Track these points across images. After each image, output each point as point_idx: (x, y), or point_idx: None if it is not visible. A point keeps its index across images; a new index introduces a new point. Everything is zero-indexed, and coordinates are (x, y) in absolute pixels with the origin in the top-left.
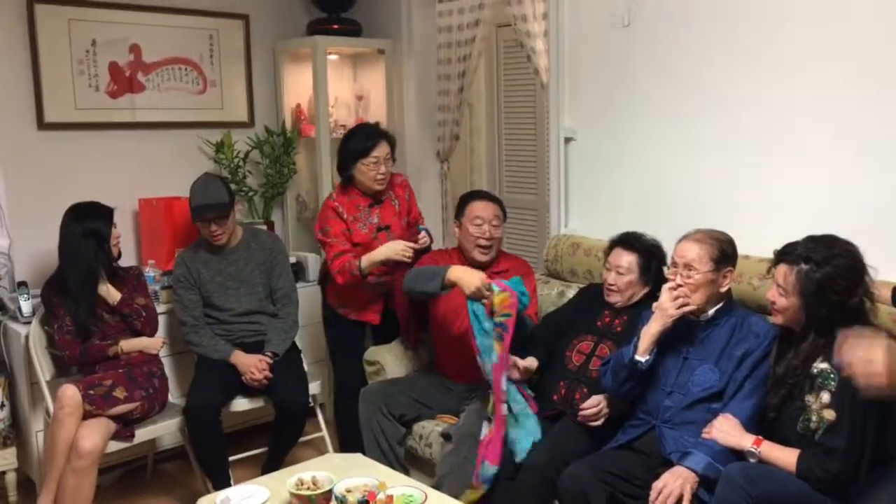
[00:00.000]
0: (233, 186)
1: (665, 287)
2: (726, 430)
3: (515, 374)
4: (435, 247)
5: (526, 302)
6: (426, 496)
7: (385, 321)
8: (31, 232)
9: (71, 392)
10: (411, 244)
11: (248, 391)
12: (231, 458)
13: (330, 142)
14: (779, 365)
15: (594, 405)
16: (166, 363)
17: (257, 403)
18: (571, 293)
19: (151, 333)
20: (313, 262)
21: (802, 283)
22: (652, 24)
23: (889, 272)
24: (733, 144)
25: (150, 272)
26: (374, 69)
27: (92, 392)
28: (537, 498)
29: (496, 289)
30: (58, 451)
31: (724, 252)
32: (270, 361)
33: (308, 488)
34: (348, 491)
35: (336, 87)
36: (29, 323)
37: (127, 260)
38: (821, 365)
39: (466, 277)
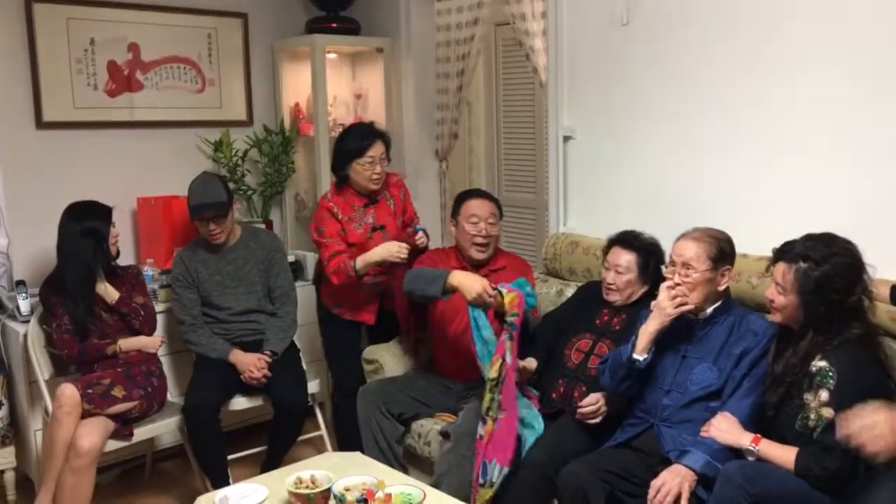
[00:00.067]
0: (231, 185)
1: (663, 286)
2: (725, 428)
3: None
4: (434, 245)
5: (533, 303)
6: (425, 495)
7: (380, 321)
8: (29, 231)
9: (69, 391)
10: (406, 245)
11: (247, 390)
12: (230, 457)
13: (328, 141)
14: (777, 363)
15: (592, 403)
16: (165, 362)
17: (256, 402)
18: (570, 292)
19: (150, 332)
20: (312, 261)
21: (801, 281)
22: (651, 22)
23: (888, 270)
24: (732, 143)
25: (148, 271)
26: (372, 68)
27: (90, 391)
28: (537, 496)
29: (504, 290)
30: (56, 449)
31: (722, 251)
32: (269, 360)
33: (307, 487)
34: (347, 489)
35: (335, 85)
36: (27, 322)
37: (125, 259)
38: (819, 363)
39: (468, 283)
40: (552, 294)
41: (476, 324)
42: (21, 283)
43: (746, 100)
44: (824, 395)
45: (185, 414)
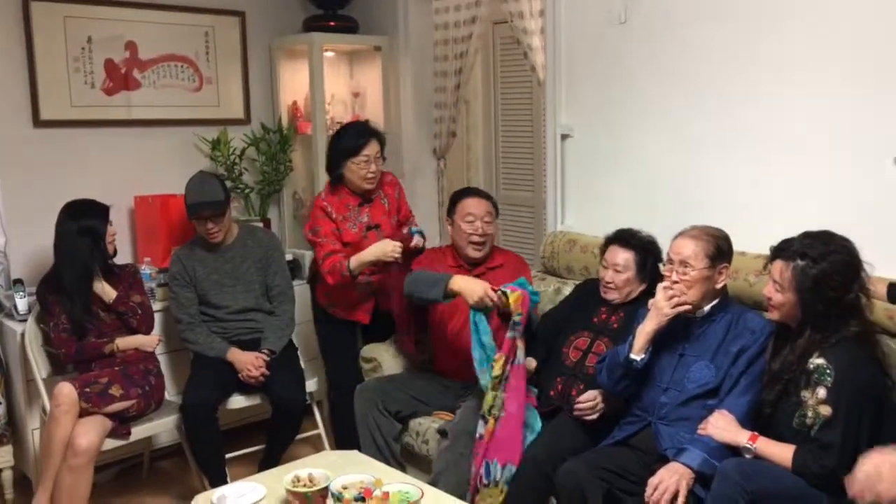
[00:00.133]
0: (229, 184)
1: (660, 286)
2: (722, 426)
3: None
4: (433, 244)
5: (536, 300)
6: (422, 493)
7: (375, 320)
8: (26, 229)
9: (67, 390)
10: (401, 244)
11: (245, 388)
12: (228, 456)
13: (326, 139)
14: (774, 361)
15: (590, 399)
16: (162, 361)
17: (254, 401)
18: (568, 290)
19: (147, 331)
20: (309, 260)
21: (799, 279)
22: (649, 21)
23: (885, 268)
24: (730, 141)
25: (145, 270)
26: (370, 66)
27: (88, 390)
28: (534, 494)
29: (508, 291)
30: (54, 448)
31: (719, 248)
32: (267, 359)
33: (304, 485)
34: (344, 488)
35: (332, 84)
36: (25, 321)
37: (123, 257)
38: (816, 360)
39: (469, 287)
40: (550, 292)
41: (476, 328)
42: (18, 281)
43: (744, 98)
44: (822, 392)
45: (183, 412)
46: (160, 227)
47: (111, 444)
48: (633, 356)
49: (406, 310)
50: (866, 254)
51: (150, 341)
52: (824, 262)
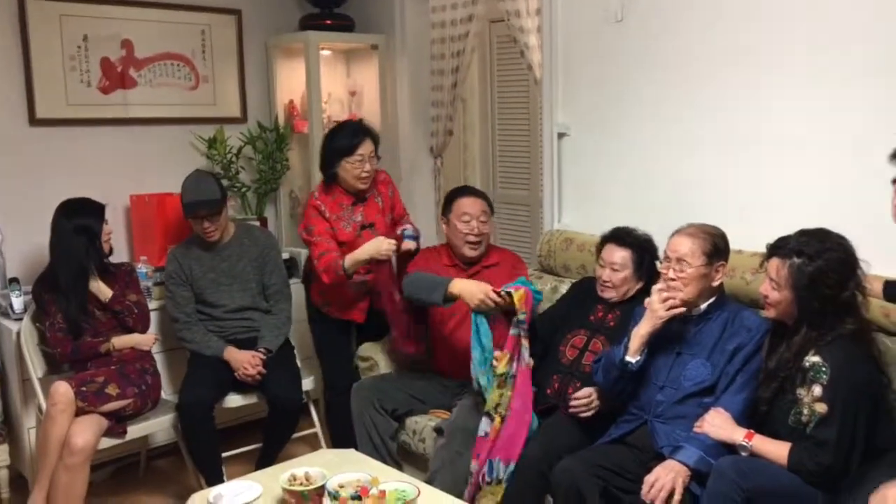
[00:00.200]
0: (225, 182)
1: (654, 288)
2: (718, 423)
3: None
4: (429, 243)
5: (540, 297)
6: (419, 491)
7: (370, 319)
8: (22, 228)
9: (63, 389)
10: (395, 241)
11: (241, 387)
12: (224, 455)
13: (323, 138)
14: (771, 358)
15: (585, 396)
16: (159, 360)
17: (250, 400)
18: (565, 288)
19: (143, 330)
20: (306, 259)
21: (795, 276)
22: (645, 19)
23: (881, 266)
24: (726, 140)
25: (142, 268)
26: (367, 65)
27: (84, 389)
28: (530, 492)
29: (512, 290)
30: (50, 447)
31: (716, 246)
32: (264, 357)
33: (301, 484)
34: (341, 486)
35: (329, 82)
36: (20, 319)
37: (119, 256)
38: (812, 358)
39: (470, 290)
40: (547, 291)
41: (477, 329)
42: (14, 280)
43: (741, 96)
44: (817, 390)
45: (180, 411)
46: (156, 226)
47: (107, 442)
48: (628, 358)
49: (404, 310)
50: (862, 251)
51: (147, 340)
52: (820, 259)
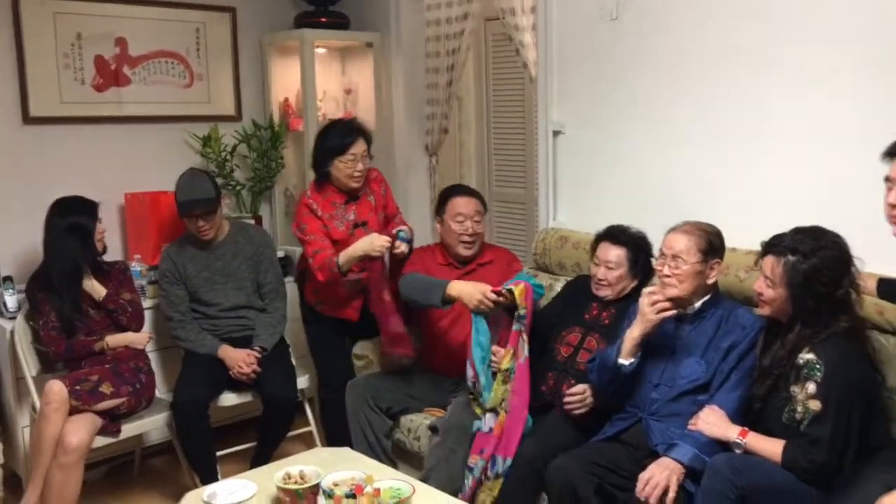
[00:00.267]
0: (220, 180)
1: (644, 291)
2: (712, 421)
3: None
4: (425, 241)
5: (542, 291)
6: (414, 489)
7: (364, 317)
8: (16, 226)
9: (57, 387)
10: (389, 238)
11: (236, 386)
12: (220, 453)
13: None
14: (765, 356)
15: (578, 392)
16: (153, 358)
17: (245, 398)
18: (560, 286)
19: (138, 328)
20: (299, 258)
21: (789, 274)
22: (640, 17)
23: (875, 264)
24: (721, 138)
25: (136, 267)
26: (362, 62)
27: (78, 387)
28: (525, 490)
29: (513, 287)
30: (44, 446)
31: (711, 244)
32: (258, 356)
33: (295, 482)
34: (336, 485)
35: (324, 80)
36: (14, 318)
37: (113, 254)
38: (806, 356)
39: (468, 291)
40: None
41: (476, 329)
42: (8, 278)
43: (735, 94)
44: (811, 387)
45: (174, 410)
46: (150, 225)
47: (102, 441)
48: (621, 361)
49: (394, 311)
50: (856, 249)
51: (141, 339)
52: (815, 257)
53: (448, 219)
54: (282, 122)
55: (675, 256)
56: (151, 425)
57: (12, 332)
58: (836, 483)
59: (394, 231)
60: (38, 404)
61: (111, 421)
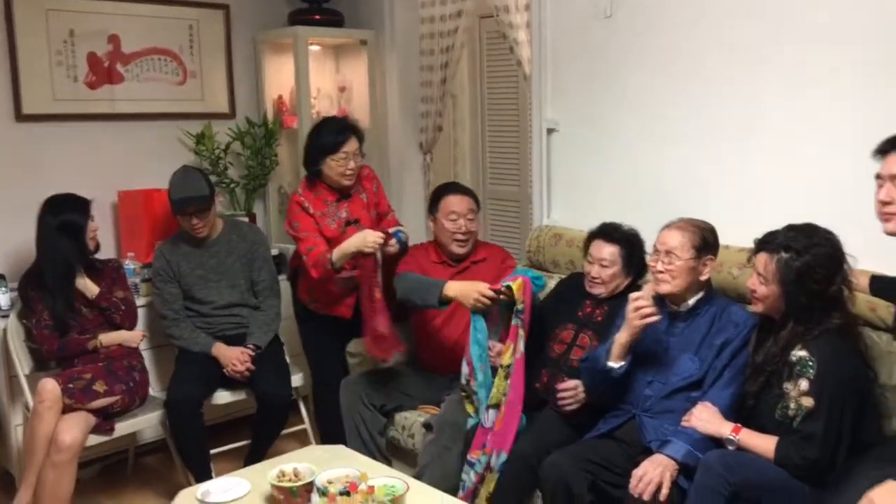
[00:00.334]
0: (213, 178)
1: (630, 296)
2: (705, 418)
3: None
4: (420, 239)
5: (541, 284)
6: (408, 486)
7: (357, 315)
8: (8, 224)
9: (50, 386)
10: (382, 234)
11: (230, 384)
12: (213, 451)
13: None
14: (758, 353)
15: (570, 388)
16: (146, 356)
17: (239, 396)
18: (553, 284)
19: (131, 327)
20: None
21: (782, 271)
22: (634, 14)
23: (867, 261)
24: (715, 135)
25: (129, 265)
26: (356, 60)
27: (71, 386)
28: (519, 486)
29: (509, 282)
30: (37, 444)
31: (705, 240)
32: (252, 354)
33: (289, 480)
34: (330, 482)
35: (318, 78)
36: (7, 316)
37: (106, 252)
38: (799, 353)
39: (465, 291)
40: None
41: (474, 328)
42: (0, 276)
43: (729, 92)
44: (804, 384)
45: (168, 408)
46: (144, 222)
47: (95, 440)
48: (611, 364)
49: (382, 310)
50: (849, 246)
51: (134, 337)
52: (808, 254)
53: (441, 217)
54: (276, 120)
55: (668, 252)
56: (145, 423)
57: (5, 331)
58: (828, 479)
59: (391, 230)
60: (31, 403)
61: (104, 419)
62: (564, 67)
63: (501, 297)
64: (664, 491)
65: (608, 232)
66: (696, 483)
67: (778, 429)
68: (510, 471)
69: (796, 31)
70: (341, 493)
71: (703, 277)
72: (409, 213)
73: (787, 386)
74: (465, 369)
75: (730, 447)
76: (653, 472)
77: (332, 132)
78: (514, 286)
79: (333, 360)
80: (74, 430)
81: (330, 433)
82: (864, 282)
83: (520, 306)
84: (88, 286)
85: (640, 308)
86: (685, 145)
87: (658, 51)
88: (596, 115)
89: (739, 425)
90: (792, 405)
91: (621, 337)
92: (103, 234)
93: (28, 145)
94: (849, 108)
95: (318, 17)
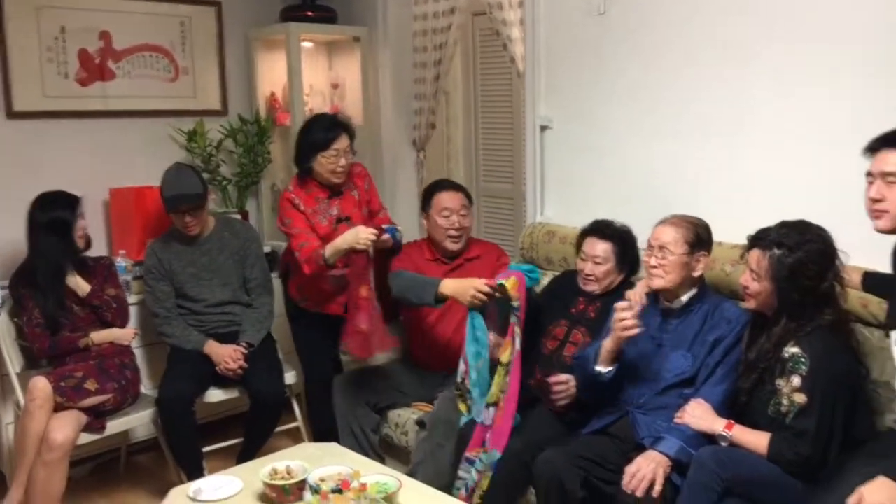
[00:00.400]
0: (206, 175)
1: (616, 306)
2: (698, 414)
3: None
4: (412, 236)
5: (537, 277)
6: (401, 484)
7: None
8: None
9: (42, 384)
10: (374, 231)
11: (222, 382)
12: (206, 449)
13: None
14: (751, 350)
15: (563, 380)
16: (138, 354)
17: (231, 394)
18: (546, 281)
19: (122, 325)
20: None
21: (775, 267)
22: (627, 11)
23: (859, 257)
24: (708, 132)
25: (121, 262)
26: (349, 57)
27: (63, 384)
28: (513, 483)
29: (504, 281)
30: (28, 443)
31: (698, 236)
32: (245, 352)
33: (282, 478)
34: (322, 480)
35: (311, 74)
36: None
37: (98, 250)
38: (792, 349)
39: (460, 289)
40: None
41: (472, 325)
42: None
43: (721, 88)
44: (796, 380)
45: (159, 406)
46: (135, 220)
47: (87, 438)
48: (598, 369)
49: (366, 307)
50: (841, 243)
51: (126, 335)
52: (800, 251)
53: (434, 214)
54: (268, 117)
55: (661, 247)
56: (137, 422)
57: None
58: (820, 475)
59: (385, 227)
60: (22, 401)
61: (96, 418)
62: (558, 64)
63: (497, 294)
64: (657, 487)
65: (600, 229)
66: (688, 479)
67: (770, 425)
68: (504, 468)
69: (788, 28)
70: (334, 491)
71: (697, 273)
72: (403, 211)
73: (780, 382)
74: (461, 367)
75: (722, 443)
76: (646, 469)
77: (323, 129)
78: (508, 284)
79: (325, 357)
80: (66, 429)
81: (322, 431)
82: (856, 278)
83: (515, 304)
84: (80, 284)
85: (622, 320)
86: (678, 141)
87: (651, 47)
88: (589, 111)
89: (732, 422)
90: (784, 401)
91: (608, 343)
92: (95, 232)
93: (19, 142)
94: (840, 105)
95: (310, 13)
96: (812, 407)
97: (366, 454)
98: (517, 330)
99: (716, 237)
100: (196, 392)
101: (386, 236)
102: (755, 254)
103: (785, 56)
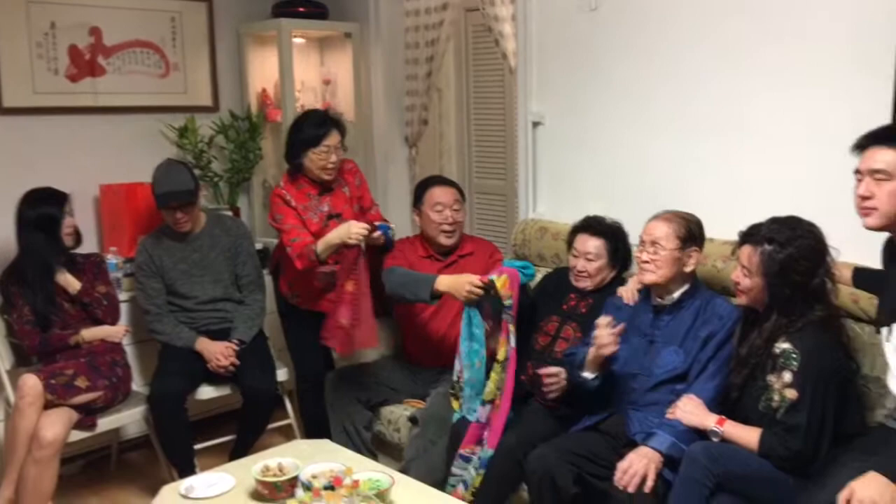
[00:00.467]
0: (197, 172)
1: (597, 322)
2: (690, 410)
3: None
4: (405, 233)
5: (532, 274)
6: (393, 480)
7: None
8: None
9: (32, 382)
10: (366, 225)
11: (214, 379)
12: (198, 447)
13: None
14: (742, 345)
15: (554, 373)
16: (129, 351)
17: (223, 391)
18: (539, 277)
19: (113, 322)
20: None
21: (766, 263)
22: (619, 7)
23: (850, 253)
24: (699, 128)
25: (111, 259)
26: (341, 53)
27: (53, 381)
28: (505, 480)
29: (494, 278)
30: (19, 441)
31: (690, 231)
32: (237, 349)
33: (274, 475)
34: (314, 477)
35: (302, 71)
36: None
37: (88, 247)
38: (783, 345)
39: (456, 284)
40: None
41: (469, 321)
42: None
43: (714, 85)
44: (787, 376)
45: (151, 403)
46: (126, 216)
47: (77, 435)
48: (586, 375)
49: (351, 302)
50: (832, 239)
51: (117, 332)
52: (791, 246)
53: (427, 209)
54: (259, 113)
55: (653, 243)
56: (128, 419)
57: None
58: (811, 470)
59: (377, 223)
60: (12, 398)
61: (87, 415)
62: (550, 60)
63: (491, 292)
64: (649, 483)
65: (592, 225)
66: (680, 475)
67: (762, 420)
68: (496, 464)
69: (782, 26)
70: (326, 488)
71: (688, 269)
72: (395, 207)
73: (771, 378)
74: (457, 366)
75: (714, 439)
76: (638, 465)
77: (314, 125)
78: (499, 283)
79: (316, 354)
80: (56, 426)
81: (314, 428)
82: (846, 274)
83: (507, 302)
84: (70, 281)
85: (598, 338)
86: (670, 138)
87: (643, 44)
88: (582, 108)
89: (724, 417)
90: (775, 397)
91: (590, 355)
92: (85, 229)
93: (9, 139)
94: (831, 102)
95: (302, 9)
96: (803, 402)
97: (358, 451)
98: (511, 328)
99: (707, 233)
100: (188, 389)
101: (378, 233)
102: (746, 250)
103: (777, 53)
